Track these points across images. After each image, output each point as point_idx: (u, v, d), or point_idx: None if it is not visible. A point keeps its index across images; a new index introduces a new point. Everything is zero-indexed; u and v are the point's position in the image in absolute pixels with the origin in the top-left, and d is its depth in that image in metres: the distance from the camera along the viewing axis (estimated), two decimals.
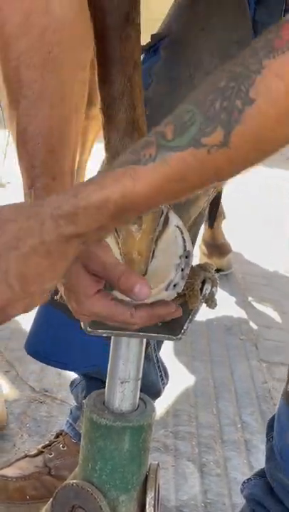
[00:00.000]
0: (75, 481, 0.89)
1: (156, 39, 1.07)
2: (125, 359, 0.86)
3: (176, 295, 0.80)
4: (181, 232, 0.81)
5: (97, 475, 0.87)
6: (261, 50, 0.62)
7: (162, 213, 0.82)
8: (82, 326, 0.83)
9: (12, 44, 0.81)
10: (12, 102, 0.82)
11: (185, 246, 0.80)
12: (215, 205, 1.23)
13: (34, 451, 1.50)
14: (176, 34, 1.12)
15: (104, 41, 0.89)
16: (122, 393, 0.86)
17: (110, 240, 0.81)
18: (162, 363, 1.50)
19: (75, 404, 1.51)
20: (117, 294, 0.75)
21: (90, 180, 0.67)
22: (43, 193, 0.78)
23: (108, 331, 0.83)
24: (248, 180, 3.55)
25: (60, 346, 1.26)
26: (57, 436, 1.51)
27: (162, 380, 1.50)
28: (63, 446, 1.48)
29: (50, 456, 1.47)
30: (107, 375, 0.87)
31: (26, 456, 1.50)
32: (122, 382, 0.86)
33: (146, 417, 0.87)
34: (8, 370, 1.87)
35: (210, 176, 0.65)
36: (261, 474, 1.31)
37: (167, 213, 0.82)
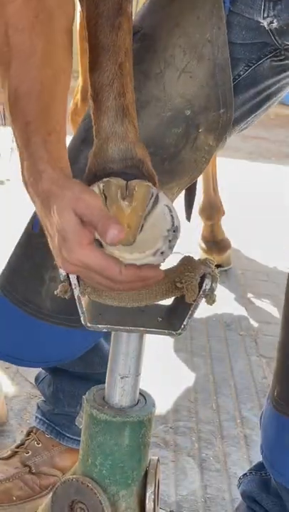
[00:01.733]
0: (75, 476, 0.89)
1: None
2: (125, 354, 0.86)
3: (162, 261, 0.81)
4: (170, 210, 0.82)
5: (97, 470, 0.88)
6: None
7: (152, 195, 0.83)
8: (82, 320, 0.83)
9: None
10: (3, 64, 0.86)
11: (173, 222, 0.82)
12: (190, 194, 1.21)
13: (7, 453, 1.48)
14: (148, 28, 1.10)
15: (96, 29, 0.90)
16: (122, 388, 0.86)
17: None
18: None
19: (42, 398, 1.49)
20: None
21: None
22: (41, 149, 0.81)
23: (108, 326, 0.83)
24: (247, 176, 3.55)
25: (13, 341, 1.23)
26: (28, 434, 1.49)
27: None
28: (38, 443, 1.47)
29: (27, 455, 1.46)
30: (107, 370, 0.88)
31: None
32: (121, 378, 0.86)
33: (146, 412, 0.88)
34: (8, 367, 1.87)
35: None
36: (258, 468, 1.31)
37: (157, 194, 0.83)
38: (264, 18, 1.10)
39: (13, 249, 1.23)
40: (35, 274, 1.16)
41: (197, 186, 1.23)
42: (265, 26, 1.10)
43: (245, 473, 1.33)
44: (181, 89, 1.08)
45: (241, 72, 1.14)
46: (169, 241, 0.80)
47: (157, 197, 0.83)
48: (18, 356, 1.24)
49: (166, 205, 0.83)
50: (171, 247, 0.81)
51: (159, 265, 0.80)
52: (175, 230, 0.81)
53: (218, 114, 1.10)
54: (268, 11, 1.09)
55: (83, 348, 1.23)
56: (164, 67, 1.08)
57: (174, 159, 1.11)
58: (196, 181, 1.20)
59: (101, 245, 0.78)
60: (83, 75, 2.58)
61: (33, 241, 1.17)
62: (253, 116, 1.21)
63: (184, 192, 1.19)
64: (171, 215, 0.82)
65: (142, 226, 0.82)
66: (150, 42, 1.09)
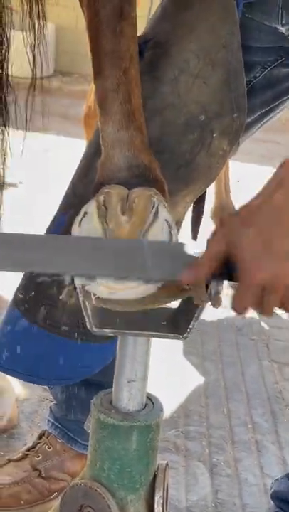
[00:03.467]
0: (83, 480, 0.89)
1: (141, 41, 1.05)
2: (132, 358, 0.85)
3: (156, 289, 0.79)
4: (169, 227, 0.82)
5: (106, 474, 0.87)
6: None
7: (154, 206, 0.82)
8: (88, 325, 0.83)
9: None
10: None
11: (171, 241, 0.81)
12: (198, 211, 1.20)
13: (18, 455, 1.48)
14: (161, 36, 1.10)
15: (97, 35, 0.89)
16: (129, 392, 0.86)
17: (97, 228, 0.81)
18: None
19: (55, 402, 1.49)
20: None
21: None
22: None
23: (114, 330, 0.83)
24: (258, 180, 3.54)
25: (30, 359, 1.21)
26: (40, 437, 1.49)
27: None
28: (49, 447, 1.47)
29: (38, 459, 1.46)
30: (114, 375, 0.87)
31: (10, 461, 1.48)
32: (128, 382, 0.86)
33: (153, 416, 0.87)
34: None
35: None
36: None
37: (158, 206, 0.82)
38: (282, 25, 1.10)
39: None
40: (51, 290, 1.15)
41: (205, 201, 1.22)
42: (284, 32, 1.10)
43: (277, 479, 1.33)
44: (195, 95, 1.08)
45: (257, 75, 1.14)
46: None
47: (157, 209, 0.82)
48: (34, 374, 1.23)
49: (166, 221, 0.82)
50: None
51: None
52: None
53: (232, 118, 1.10)
54: (286, 18, 1.10)
55: (101, 364, 1.22)
56: (178, 73, 1.08)
57: (189, 165, 1.11)
58: (205, 198, 1.19)
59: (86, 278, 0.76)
60: None
61: None
62: (266, 119, 1.21)
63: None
64: (170, 232, 0.81)
65: None
66: (163, 48, 1.09)
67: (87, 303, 0.81)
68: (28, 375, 1.24)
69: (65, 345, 1.17)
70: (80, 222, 0.82)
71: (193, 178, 1.12)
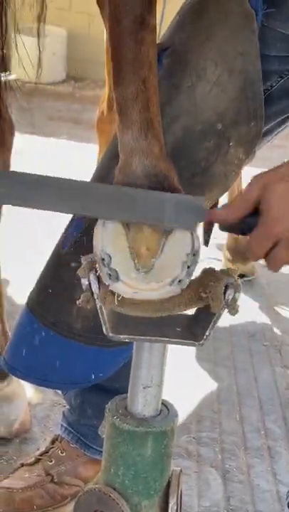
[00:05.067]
0: (97, 485, 0.89)
1: (159, 49, 1.05)
2: (147, 364, 0.86)
3: (179, 291, 0.80)
4: (191, 231, 0.82)
5: (120, 480, 0.87)
6: None
7: None
8: (104, 330, 0.83)
9: None
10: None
11: (193, 244, 0.82)
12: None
13: (31, 460, 1.48)
14: (179, 43, 1.10)
15: (119, 44, 0.90)
16: (145, 398, 0.86)
17: (118, 233, 0.82)
18: None
19: (68, 407, 1.49)
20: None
21: None
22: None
23: (130, 336, 0.83)
24: None
25: (43, 362, 1.21)
26: (53, 442, 1.49)
27: None
28: (62, 452, 1.47)
29: (51, 464, 1.46)
30: (130, 380, 0.87)
31: (23, 465, 1.48)
32: (144, 388, 0.86)
33: (168, 422, 0.87)
34: None
35: None
36: None
37: None
38: None
39: (41, 269, 1.23)
40: (65, 294, 1.15)
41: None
42: None
43: None
44: (212, 102, 1.08)
45: (274, 84, 1.14)
46: (188, 267, 0.80)
47: None
48: (48, 379, 1.23)
49: None
50: (189, 274, 0.80)
51: None
52: (195, 254, 0.81)
53: (249, 127, 1.09)
54: None
55: (113, 369, 1.22)
56: (195, 80, 1.07)
57: (205, 173, 1.10)
58: (218, 204, 1.19)
59: (110, 277, 0.78)
60: (109, 84, 2.59)
61: (63, 261, 1.17)
62: (282, 127, 1.21)
63: None
64: (192, 236, 0.82)
65: (162, 246, 0.82)
66: (181, 56, 1.09)
67: (104, 308, 0.81)
68: (42, 380, 1.25)
69: (78, 350, 1.18)
70: (103, 225, 0.83)
71: (208, 186, 1.11)
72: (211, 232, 1.19)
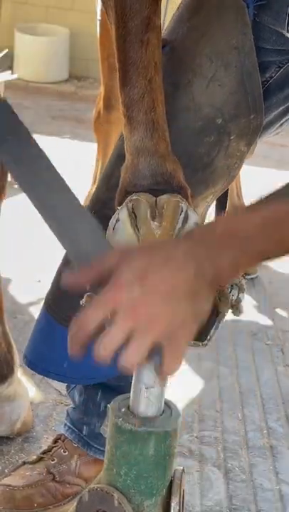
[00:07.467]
0: (99, 485, 0.89)
1: None
2: (151, 364, 0.85)
3: None
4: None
5: (122, 480, 0.87)
6: None
7: (182, 211, 0.83)
8: None
9: None
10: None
11: None
12: (222, 202, 1.21)
13: (33, 458, 1.48)
14: (176, 41, 1.10)
15: (125, 46, 0.90)
16: (147, 398, 0.86)
17: (130, 236, 0.82)
18: None
19: (72, 405, 1.49)
20: None
21: None
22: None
23: None
24: (275, 184, 3.52)
25: (58, 358, 1.23)
26: (55, 441, 1.49)
27: None
28: (64, 451, 1.47)
29: (53, 462, 1.46)
30: (133, 380, 0.87)
31: (24, 463, 1.48)
32: (147, 388, 0.86)
33: (171, 422, 0.87)
34: (34, 373, 1.87)
35: None
36: None
37: (187, 211, 0.83)
38: (288, 31, 1.10)
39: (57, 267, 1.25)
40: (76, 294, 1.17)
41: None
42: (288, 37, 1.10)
43: None
44: (210, 98, 1.08)
45: (273, 74, 1.14)
46: None
47: (187, 214, 0.83)
48: (63, 373, 1.26)
49: (196, 224, 0.82)
50: None
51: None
52: None
53: (249, 119, 1.10)
54: None
55: None
56: (192, 77, 1.08)
57: (208, 168, 1.11)
58: (228, 194, 1.19)
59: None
60: (104, 83, 2.59)
61: None
62: (285, 118, 1.21)
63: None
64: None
65: None
66: (178, 54, 1.10)
67: None
68: (58, 375, 1.29)
69: (91, 345, 1.19)
70: (114, 227, 0.83)
71: (212, 180, 1.12)
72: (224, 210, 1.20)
